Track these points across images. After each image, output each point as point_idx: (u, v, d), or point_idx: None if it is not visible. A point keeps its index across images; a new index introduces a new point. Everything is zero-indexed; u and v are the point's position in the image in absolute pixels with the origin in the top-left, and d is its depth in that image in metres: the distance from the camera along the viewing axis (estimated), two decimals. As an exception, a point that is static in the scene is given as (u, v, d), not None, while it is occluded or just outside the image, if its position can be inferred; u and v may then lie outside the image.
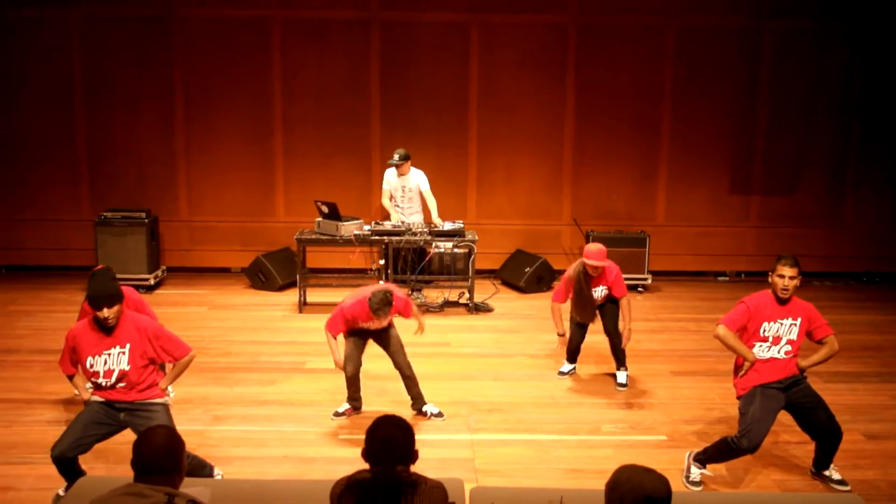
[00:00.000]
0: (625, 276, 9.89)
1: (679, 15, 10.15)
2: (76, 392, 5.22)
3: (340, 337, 6.10)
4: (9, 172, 10.25)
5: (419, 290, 9.31)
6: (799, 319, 5.20)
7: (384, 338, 6.14)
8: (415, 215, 9.34)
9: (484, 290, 9.64)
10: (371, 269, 9.60)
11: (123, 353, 4.83)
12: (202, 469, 5.08)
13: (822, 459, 5.35)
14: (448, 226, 9.07)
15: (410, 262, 9.12)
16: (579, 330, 7.01)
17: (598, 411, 6.37)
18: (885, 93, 10.32)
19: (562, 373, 7.17)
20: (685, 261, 10.59)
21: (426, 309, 9.00)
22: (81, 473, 4.80)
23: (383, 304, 5.75)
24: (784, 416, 5.33)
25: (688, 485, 5.19)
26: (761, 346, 5.21)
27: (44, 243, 10.36)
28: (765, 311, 5.21)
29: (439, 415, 6.23)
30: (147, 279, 9.63)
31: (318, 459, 5.49)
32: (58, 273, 10.30)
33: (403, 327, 6.30)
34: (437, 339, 8.08)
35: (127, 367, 4.84)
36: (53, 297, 9.41)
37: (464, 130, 10.37)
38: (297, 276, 9.12)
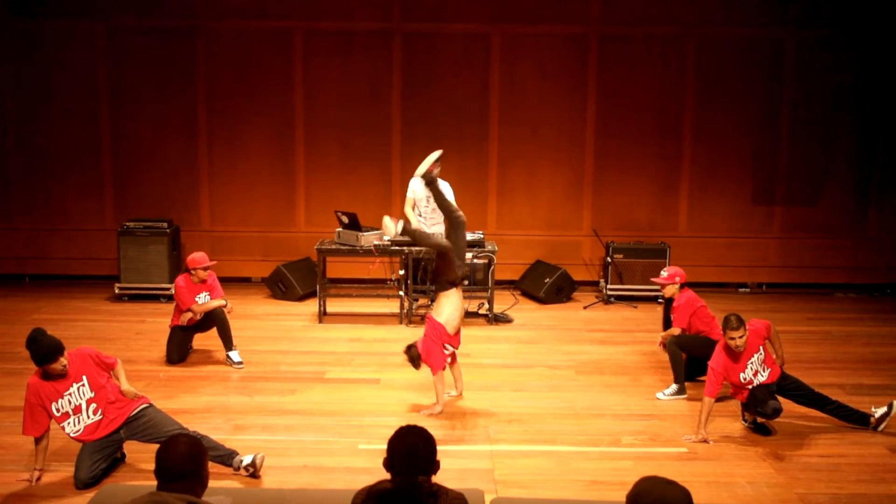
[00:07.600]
0: (645, 287, 9.99)
1: (700, 25, 10.13)
2: (33, 469, 5.25)
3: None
4: (34, 182, 10.37)
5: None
6: (760, 349, 5.97)
7: None
8: (437, 226, 9.33)
9: (504, 301, 9.63)
10: (391, 280, 9.62)
11: (83, 385, 5.23)
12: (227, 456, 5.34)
13: (854, 416, 6.11)
14: (468, 236, 9.06)
15: (430, 272, 9.11)
16: None
17: (619, 423, 6.34)
18: (910, 103, 10.25)
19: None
20: (707, 272, 10.51)
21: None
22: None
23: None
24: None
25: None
26: (752, 385, 5.96)
27: (67, 253, 10.46)
28: (735, 367, 5.93)
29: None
30: (168, 288, 9.68)
31: (338, 469, 5.49)
32: (81, 282, 10.40)
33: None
34: (456, 350, 8.06)
35: (92, 394, 5.24)
36: (77, 306, 9.49)
37: (485, 141, 10.38)
38: (317, 287, 9.14)
